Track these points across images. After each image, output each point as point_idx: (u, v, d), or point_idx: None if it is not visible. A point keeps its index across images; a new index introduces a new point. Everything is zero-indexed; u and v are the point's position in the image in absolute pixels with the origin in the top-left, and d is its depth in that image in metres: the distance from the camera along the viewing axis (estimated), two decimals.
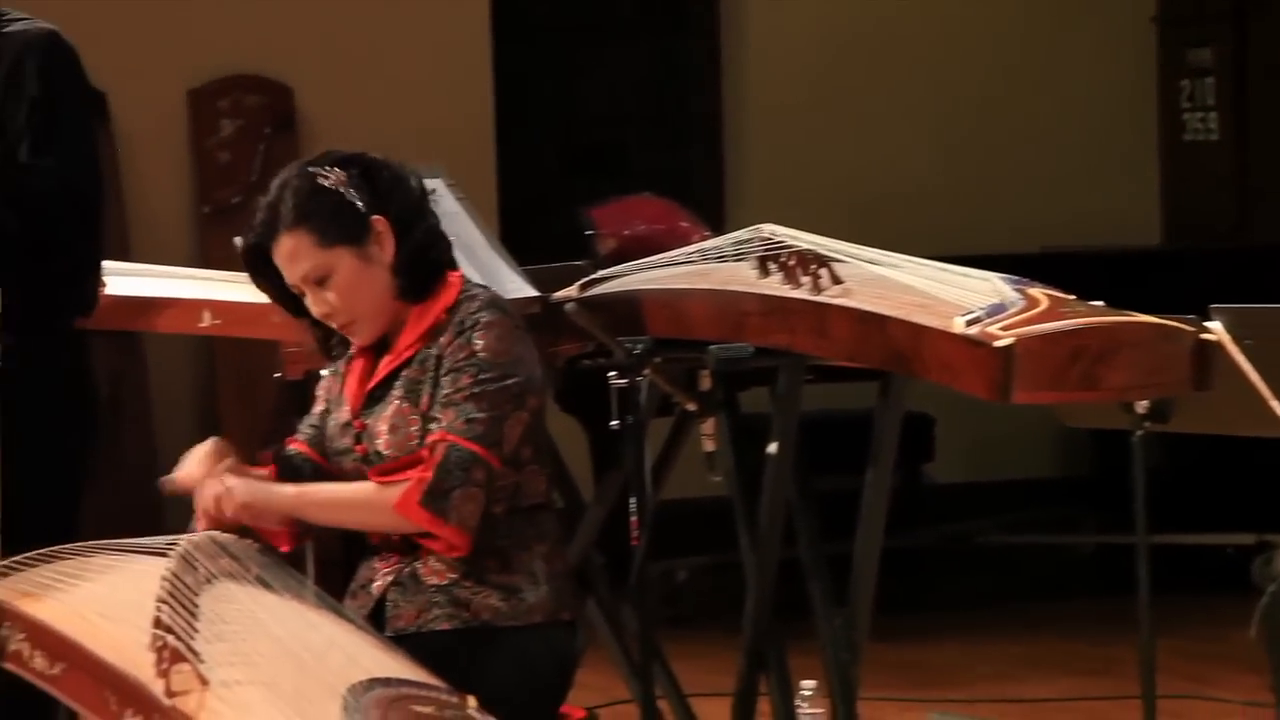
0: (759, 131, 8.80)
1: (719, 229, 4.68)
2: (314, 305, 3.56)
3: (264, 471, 3.62)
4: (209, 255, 7.57)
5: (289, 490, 3.52)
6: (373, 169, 3.58)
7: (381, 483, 3.48)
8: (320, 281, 3.53)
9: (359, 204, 3.53)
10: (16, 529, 4.01)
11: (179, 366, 7.80)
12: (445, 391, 3.48)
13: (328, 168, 3.55)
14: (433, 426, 3.47)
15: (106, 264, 4.77)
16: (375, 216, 3.54)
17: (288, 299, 3.63)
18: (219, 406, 7.78)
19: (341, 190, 3.52)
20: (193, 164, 7.96)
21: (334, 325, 3.59)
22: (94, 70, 4.67)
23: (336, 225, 3.51)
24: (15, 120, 4.27)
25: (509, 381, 3.49)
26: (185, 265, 6.27)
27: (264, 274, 3.60)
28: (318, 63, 8.04)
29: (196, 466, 3.55)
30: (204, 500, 3.49)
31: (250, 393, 7.53)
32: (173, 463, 7.42)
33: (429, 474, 3.42)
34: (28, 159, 4.26)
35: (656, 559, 5.80)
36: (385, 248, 3.55)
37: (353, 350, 3.67)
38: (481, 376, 3.47)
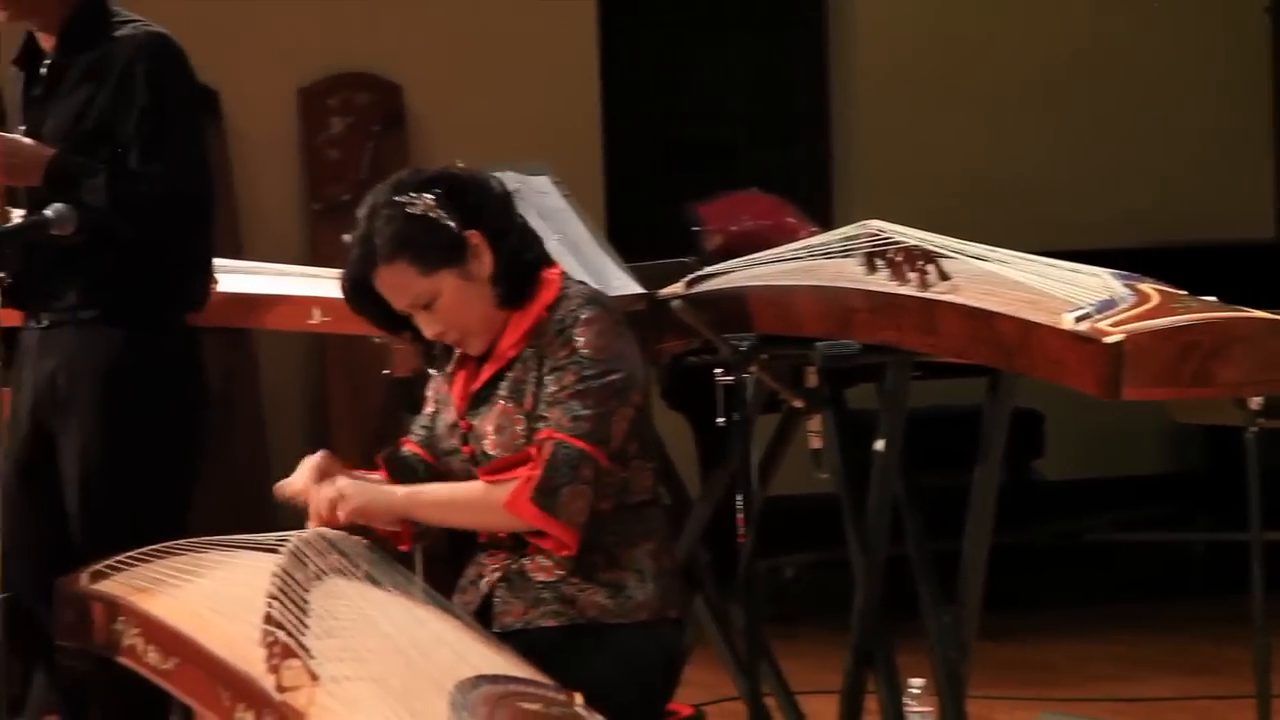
0: (866, 126, 8.77)
1: (826, 225, 4.67)
2: (425, 327, 3.58)
3: (377, 475, 3.65)
4: (319, 251, 7.62)
5: (400, 492, 3.53)
6: (459, 185, 3.58)
7: (491, 482, 3.49)
8: (427, 306, 3.55)
9: (451, 224, 3.53)
10: (129, 524, 4.06)
11: (290, 364, 7.85)
12: (550, 390, 3.49)
13: (413, 194, 3.54)
14: (539, 425, 3.48)
15: (219, 261, 4.82)
16: (469, 232, 3.54)
17: (391, 320, 3.64)
18: (329, 404, 7.82)
19: (433, 214, 3.53)
20: (303, 161, 8.01)
21: (448, 342, 3.61)
22: (206, 69, 4.72)
23: (434, 250, 3.52)
24: (125, 127, 4.32)
25: (612, 377, 3.49)
26: (295, 262, 6.32)
27: (366, 303, 3.62)
28: (427, 60, 8.07)
29: (306, 477, 3.57)
30: (318, 504, 3.50)
31: (361, 390, 7.57)
32: (283, 460, 7.48)
33: (538, 472, 3.43)
34: (137, 166, 4.31)
35: (764, 556, 5.79)
36: (484, 261, 3.55)
37: (459, 352, 3.68)
38: (585, 373, 3.48)
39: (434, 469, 3.66)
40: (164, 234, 4.34)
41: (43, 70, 4.42)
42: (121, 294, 4.36)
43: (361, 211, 3.59)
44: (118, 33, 4.37)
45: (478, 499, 3.50)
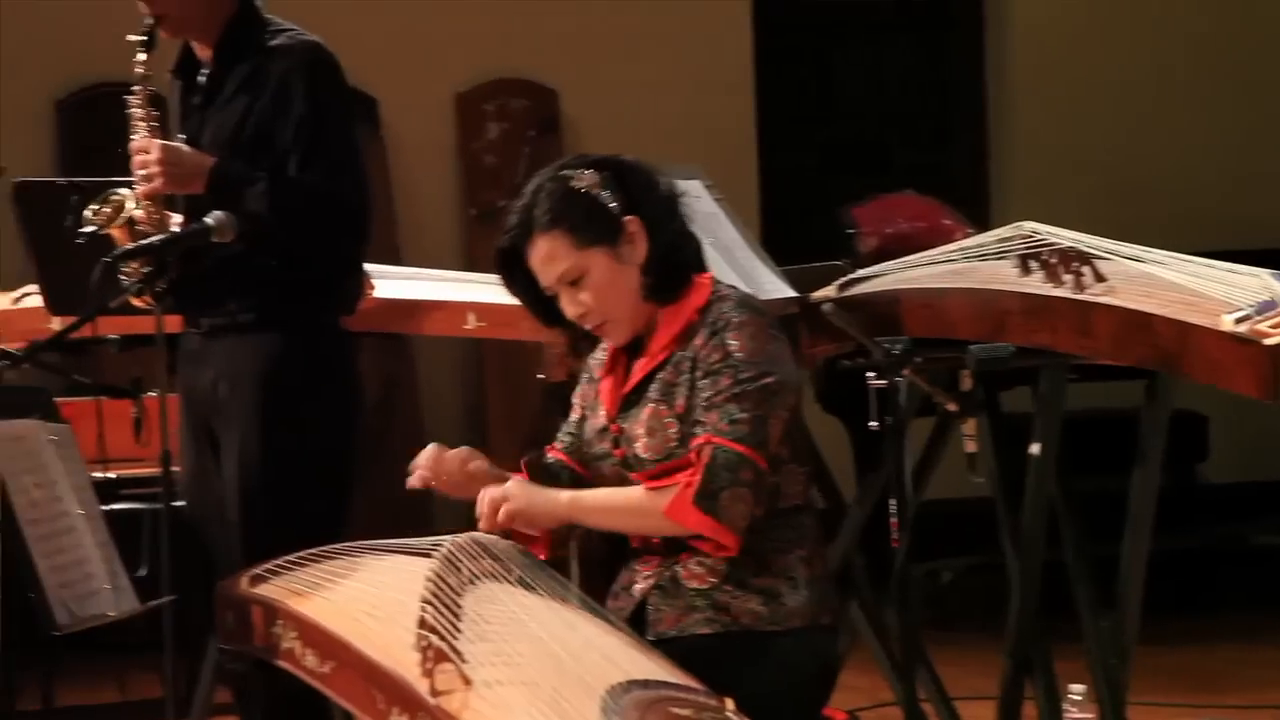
0: (1023, 126, 8.70)
1: (983, 226, 4.63)
2: (568, 306, 3.59)
3: (518, 478, 3.66)
4: (475, 257, 7.68)
5: (563, 496, 3.55)
6: (625, 170, 3.60)
7: (651, 488, 3.49)
8: (575, 282, 3.56)
9: (612, 205, 3.55)
10: (287, 526, 4.11)
11: (448, 369, 7.91)
12: (705, 394, 3.48)
13: (581, 170, 3.58)
14: (696, 430, 3.48)
15: (377, 268, 4.88)
16: (628, 217, 3.56)
17: (539, 303, 3.66)
18: (487, 408, 7.88)
19: (595, 192, 3.55)
20: (459, 167, 8.07)
21: (587, 326, 3.61)
22: (364, 77, 4.78)
23: (591, 226, 3.54)
24: (283, 135, 4.38)
25: (767, 380, 3.48)
26: (452, 267, 6.38)
27: (516, 278, 3.64)
28: (582, 65, 8.11)
29: (443, 465, 3.60)
30: (482, 504, 3.52)
31: (517, 394, 7.61)
32: None
33: (698, 476, 3.43)
34: (296, 172, 4.37)
35: (921, 560, 5.76)
36: (638, 248, 3.56)
37: (605, 355, 3.70)
38: (740, 376, 3.47)
39: (579, 476, 3.68)
40: (322, 239, 4.40)
41: (201, 79, 4.49)
42: (278, 298, 4.42)
43: (529, 185, 3.61)
44: (273, 42, 4.43)
45: (639, 504, 3.50)
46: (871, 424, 4.08)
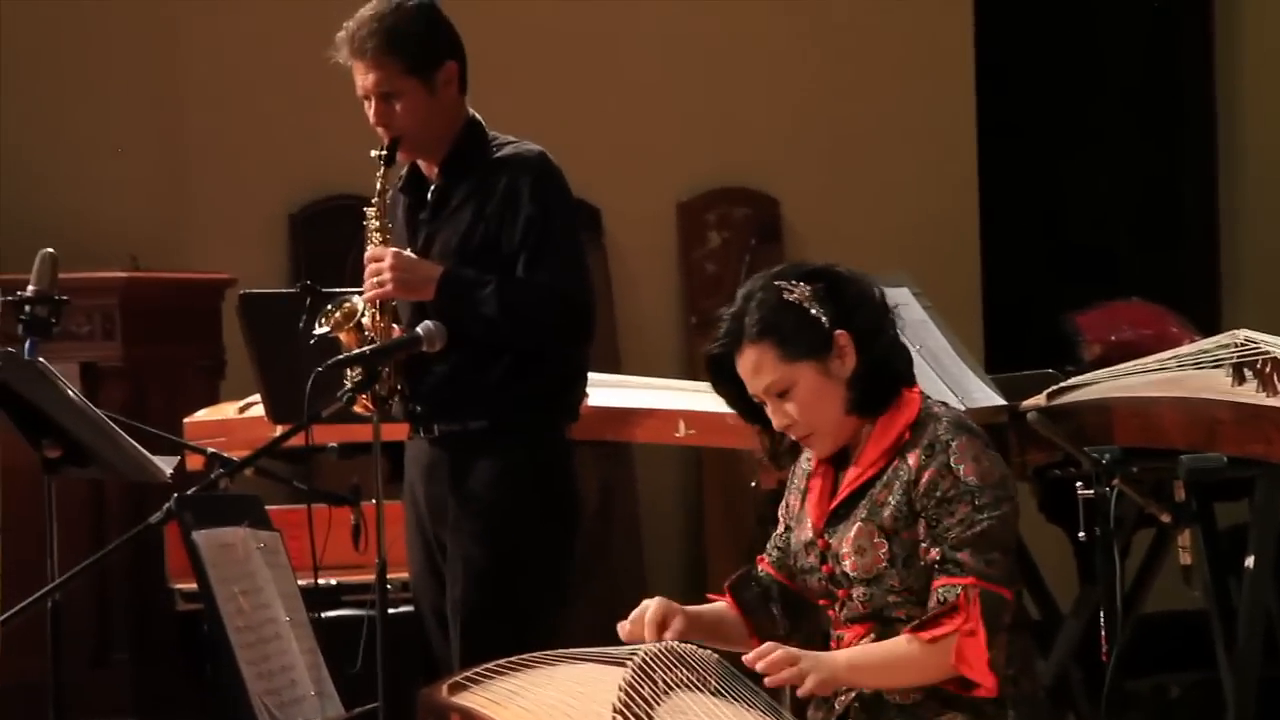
0: (1256, 232, 8.56)
1: (1213, 333, 4.56)
2: (774, 416, 3.59)
3: (721, 603, 3.69)
4: (695, 365, 7.69)
5: (841, 659, 3.48)
6: (839, 283, 3.58)
7: (927, 640, 3.43)
8: (782, 394, 3.56)
9: (823, 319, 3.53)
10: (507, 629, 4.16)
11: (667, 477, 7.93)
12: (946, 526, 3.44)
13: (794, 281, 3.57)
14: (949, 568, 3.43)
15: (593, 376, 4.93)
16: (838, 331, 3.54)
17: (746, 406, 3.67)
18: (704, 514, 7.87)
19: (806, 305, 3.54)
20: (680, 275, 8.11)
21: (793, 436, 3.61)
22: (589, 187, 4.87)
23: (800, 340, 3.53)
24: (510, 239, 4.47)
25: (1005, 509, 3.45)
26: (672, 374, 6.42)
27: (725, 381, 3.65)
28: (802, 174, 8.12)
29: (647, 629, 3.55)
30: (778, 670, 3.39)
31: (734, 502, 7.60)
32: (659, 571, 7.56)
33: (979, 626, 3.39)
34: (524, 274, 4.43)
35: (1147, 674, 5.65)
36: (846, 362, 3.55)
37: (810, 464, 3.68)
38: (978, 503, 3.44)
39: (787, 590, 3.67)
40: (551, 337, 4.47)
41: (428, 196, 4.59)
42: (510, 407, 4.50)
43: (741, 291, 3.62)
44: (499, 154, 4.54)
45: (921, 658, 3.44)
46: (1081, 535, 4.03)
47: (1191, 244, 8.76)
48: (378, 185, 4.53)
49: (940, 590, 3.42)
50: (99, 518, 6.45)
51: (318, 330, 4.49)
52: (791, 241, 8.06)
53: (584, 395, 4.75)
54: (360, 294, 4.52)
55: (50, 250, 4.57)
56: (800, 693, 3.38)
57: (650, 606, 3.57)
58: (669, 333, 8.02)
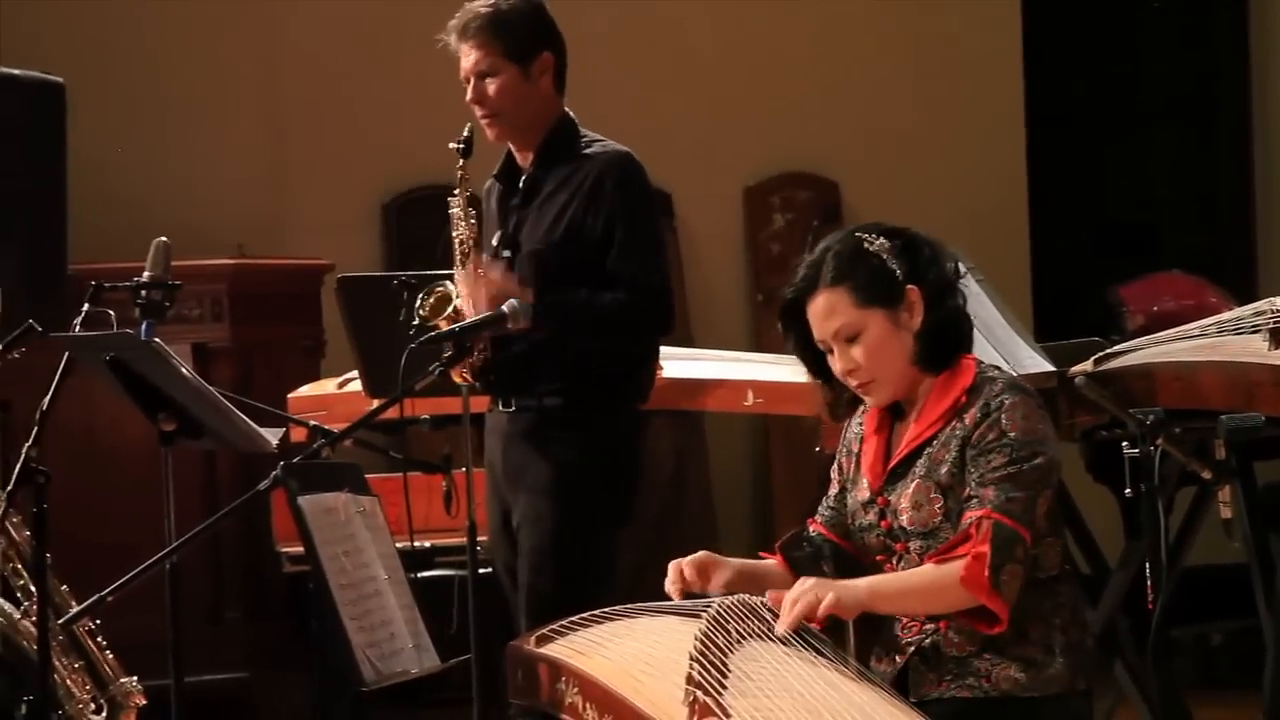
0: None
1: (1249, 304, 4.52)
2: (839, 361, 3.54)
3: (771, 561, 3.66)
4: (761, 340, 7.69)
5: (862, 585, 3.44)
6: (915, 243, 3.56)
7: (940, 562, 3.42)
8: (850, 339, 3.51)
9: (898, 272, 3.51)
10: (574, 590, 4.17)
11: (737, 444, 7.92)
12: (980, 471, 3.42)
13: (873, 235, 3.55)
14: (971, 504, 3.41)
15: (667, 349, 4.94)
16: (910, 286, 3.51)
17: (810, 355, 3.62)
18: (772, 479, 7.86)
19: (884, 256, 3.52)
20: (747, 255, 8.10)
21: (853, 383, 3.55)
22: (661, 173, 4.87)
23: (874, 287, 3.50)
24: (594, 228, 4.48)
25: (1039, 460, 3.42)
26: (740, 349, 6.40)
27: (794, 328, 3.60)
28: (863, 159, 8.10)
29: (686, 571, 3.53)
30: (793, 605, 3.34)
31: (800, 467, 7.59)
32: (731, 532, 7.55)
33: (986, 549, 3.36)
34: (612, 266, 4.47)
35: (1190, 623, 5.62)
36: (915, 316, 3.51)
37: (863, 428, 3.67)
38: (1015, 455, 3.41)
39: (840, 549, 3.65)
40: (633, 326, 4.49)
41: (520, 184, 4.59)
42: (584, 386, 4.51)
43: (821, 244, 3.58)
44: (588, 150, 4.57)
45: (934, 580, 3.41)
46: (1126, 492, 4.01)
47: (1227, 221, 8.69)
48: (458, 174, 4.56)
49: (964, 523, 3.41)
50: (212, 486, 6.50)
51: (415, 320, 4.51)
52: (851, 221, 8.00)
53: (656, 376, 4.76)
54: (451, 279, 4.54)
55: (164, 239, 4.61)
56: (821, 612, 3.32)
57: (690, 558, 3.55)
58: (736, 309, 8.01)
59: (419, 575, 4.29)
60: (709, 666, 3.02)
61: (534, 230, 4.57)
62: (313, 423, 4.69)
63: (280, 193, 7.70)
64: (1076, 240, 8.63)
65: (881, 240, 3.53)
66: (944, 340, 3.54)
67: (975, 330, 3.73)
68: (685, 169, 7.68)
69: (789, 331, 3.62)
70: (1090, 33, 8.74)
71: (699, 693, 2.91)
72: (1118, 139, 8.72)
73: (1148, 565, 3.91)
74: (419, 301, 4.54)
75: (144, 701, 4.70)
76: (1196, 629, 7.01)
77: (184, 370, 4.39)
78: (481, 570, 4.57)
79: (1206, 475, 4.07)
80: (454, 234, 4.57)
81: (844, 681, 3.17)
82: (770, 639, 3.25)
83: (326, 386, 5.88)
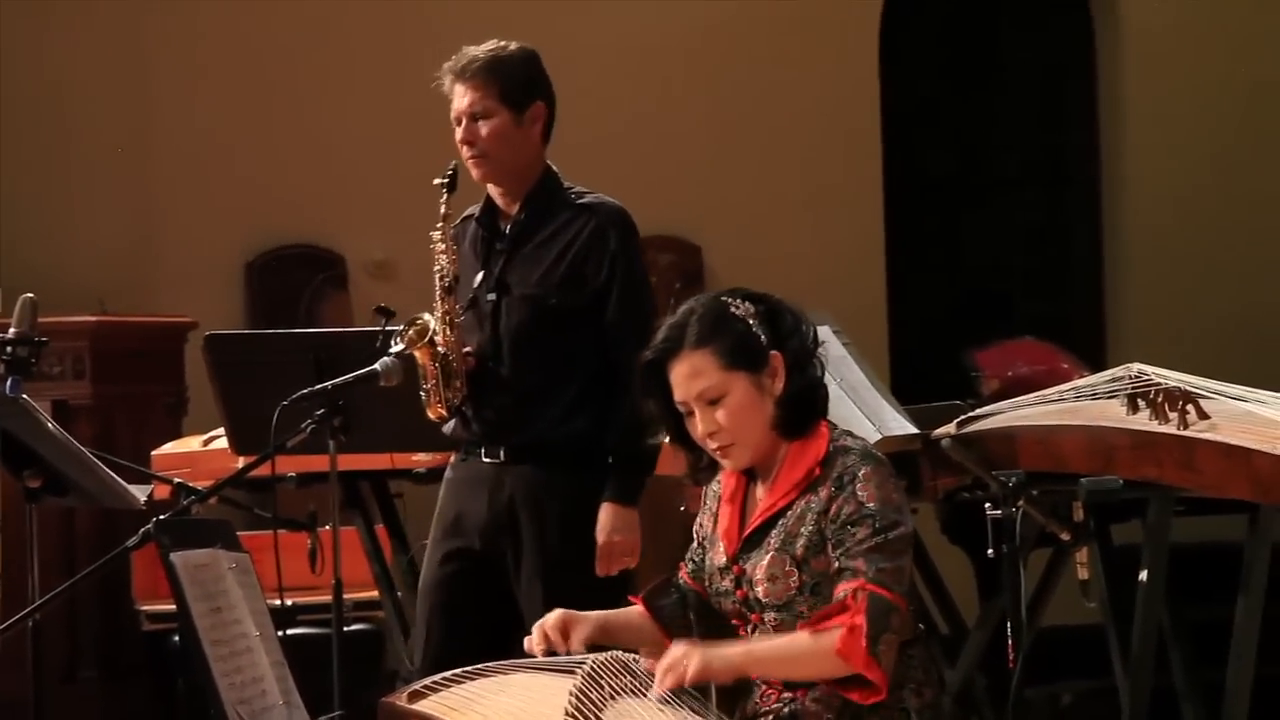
0: (1138, 276, 8.67)
1: (1099, 369, 4.62)
2: (700, 424, 3.55)
3: (635, 608, 3.68)
4: None
5: (736, 651, 3.45)
6: (779, 310, 3.59)
7: (817, 631, 3.43)
8: (713, 401, 3.53)
9: (762, 337, 3.54)
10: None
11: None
12: (846, 545, 3.44)
13: (739, 299, 3.58)
14: (845, 574, 3.43)
15: None
16: (774, 352, 3.54)
17: (669, 417, 3.63)
18: None
19: (750, 321, 3.54)
20: None
21: (713, 445, 3.56)
22: None
23: (739, 351, 3.52)
24: (596, 278, 4.56)
25: (901, 530, 3.45)
26: None
27: (654, 389, 3.60)
28: (724, 224, 8.18)
29: (548, 634, 3.55)
30: (662, 670, 3.37)
31: (660, 525, 7.59)
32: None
33: (861, 619, 3.38)
34: (613, 317, 4.54)
35: (1042, 683, 5.69)
36: (777, 382, 3.54)
37: (721, 490, 3.67)
38: (877, 526, 3.44)
39: (704, 600, 3.65)
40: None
41: (507, 229, 4.62)
42: (576, 435, 4.52)
43: (684, 306, 3.60)
44: (581, 200, 4.63)
45: (808, 649, 3.42)
46: (989, 552, 4.06)
47: (1078, 289, 8.86)
48: (441, 210, 4.58)
49: (838, 595, 3.43)
50: (70, 544, 6.42)
51: (394, 349, 4.50)
52: (714, 285, 8.08)
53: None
54: (430, 314, 4.56)
55: (31, 296, 4.57)
56: (689, 680, 3.33)
57: (550, 617, 3.56)
58: None
59: (285, 633, 4.26)
60: None
61: (526, 274, 4.60)
62: (178, 480, 4.65)
63: (144, 249, 7.64)
64: (932, 306, 8.75)
65: (747, 305, 3.56)
66: (803, 407, 3.57)
67: (842, 393, 3.79)
68: None
69: (648, 393, 3.61)
70: (946, 102, 8.89)
71: None
72: (973, 207, 8.88)
73: (1009, 624, 3.96)
74: (399, 333, 4.53)
75: None
76: (1048, 689, 7.10)
77: (51, 427, 4.35)
78: (346, 629, 4.54)
79: (1065, 537, 4.14)
80: (435, 267, 4.58)
81: None
82: (643, 695, 3.27)
83: (191, 444, 5.83)
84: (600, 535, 4.52)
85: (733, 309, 3.55)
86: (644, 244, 8.07)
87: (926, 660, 3.56)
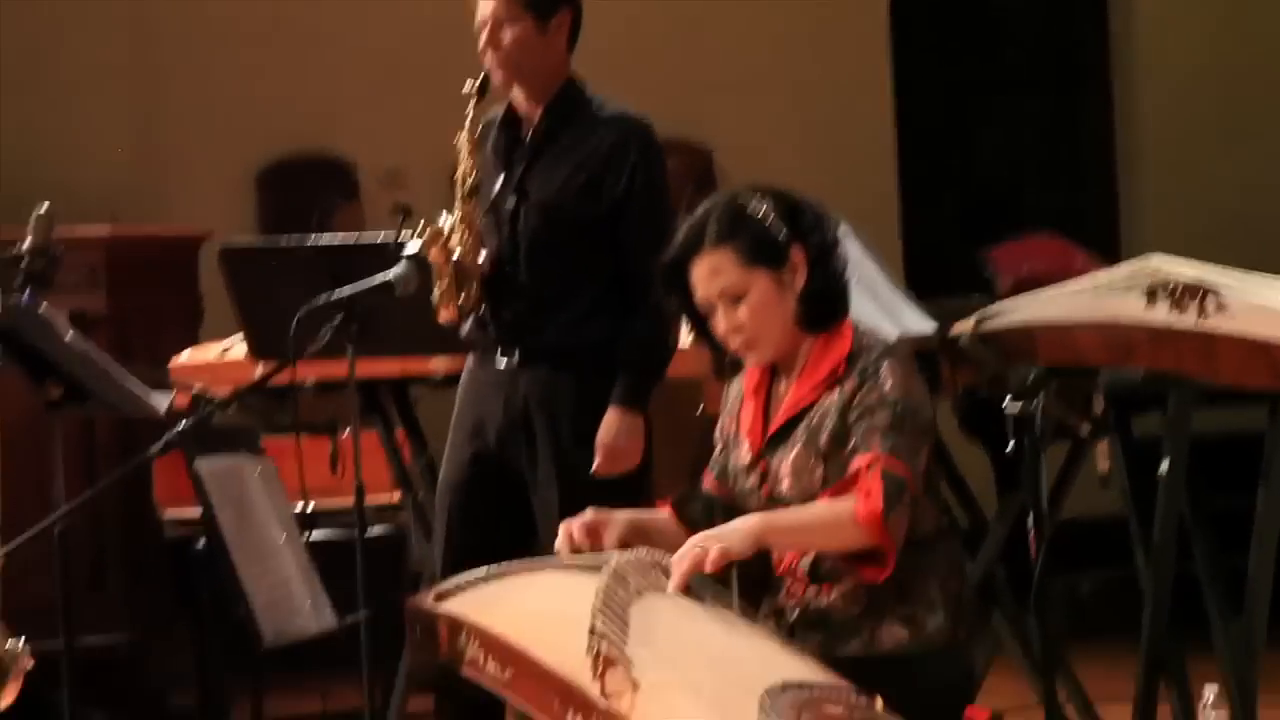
0: (1151, 167, 8.64)
1: (1113, 264, 4.61)
2: (722, 321, 3.55)
3: (664, 513, 3.68)
4: None
5: (754, 520, 3.42)
6: (798, 205, 3.58)
7: (833, 497, 3.42)
8: (735, 300, 3.53)
9: (782, 233, 3.53)
10: None
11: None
12: (865, 426, 3.44)
13: (758, 197, 3.56)
14: (859, 451, 3.43)
15: None
16: (794, 247, 3.53)
17: (689, 314, 3.62)
18: (650, 443, 7.88)
19: (767, 218, 3.53)
20: None
21: (736, 343, 3.56)
22: None
23: (759, 248, 3.51)
24: (614, 190, 4.53)
25: (920, 417, 3.46)
26: None
27: (675, 288, 3.60)
28: (735, 126, 8.14)
29: (575, 534, 3.54)
30: (684, 558, 3.33)
31: (679, 429, 7.60)
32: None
33: (878, 489, 3.36)
34: (626, 234, 4.51)
35: (1061, 573, 5.69)
36: (798, 278, 3.53)
37: (744, 389, 3.67)
38: (896, 412, 3.44)
39: (732, 506, 3.64)
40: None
41: (528, 136, 4.60)
42: (590, 341, 4.52)
43: (703, 205, 3.58)
44: (605, 113, 4.60)
45: (828, 517, 3.40)
46: (1008, 448, 4.07)
47: (1091, 183, 8.84)
48: (469, 114, 4.57)
49: (851, 468, 3.43)
50: (90, 453, 6.44)
51: (409, 249, 4.48)
52: (726, 189, 8.07)
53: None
54: (448, 213, 4.55)
55: (47, 206, 4.56)
56: (709, 566, 3.29)
57: (580, 517, 3.56)
58: None
59: (308, 537, 4.28)
60: (612, 618, 3.04)
61: (546, 182, 4.57)
62: (196, 388, 4.65)
63: (154, 160, 7.63)
64: (944, 203, 8.73)
65: (766, 201, 3.55)
66: (824, 302, 3.56)
67: (859, 290, 3.77)
68: None
69: (670, 293, 3.61)
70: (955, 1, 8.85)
71: (603, 643, 2.93)
72: (983, 103, 8.84)
73: (1031, 516, 3.97)
74: (415, 233, 4.53)
75: (32, 663, 4.66)
76: (1065, 579, 7.14)
77: (71, 336, 4.36)
78: (369, 533, 4.55)
79: (1085, 429, 4.14)
80: (457, 171, 4.57)
81: (741, 629, 3.21)
82: (669, 592, 3.28)
83: (208, 353, 5.83)
84: (603, 436, 4.53)
85: (751, 206, 3.54)
86: None
87: (951, 555, 3.57)
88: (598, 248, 4.57)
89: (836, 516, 3.40)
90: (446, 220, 4.55)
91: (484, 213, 4.60)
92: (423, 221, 4.57)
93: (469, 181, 4.57)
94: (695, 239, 3.54)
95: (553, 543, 4.30)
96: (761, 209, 3.54)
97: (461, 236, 4.55)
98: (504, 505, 4.60)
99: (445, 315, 4.55)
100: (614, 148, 4.55)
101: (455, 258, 4.53)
